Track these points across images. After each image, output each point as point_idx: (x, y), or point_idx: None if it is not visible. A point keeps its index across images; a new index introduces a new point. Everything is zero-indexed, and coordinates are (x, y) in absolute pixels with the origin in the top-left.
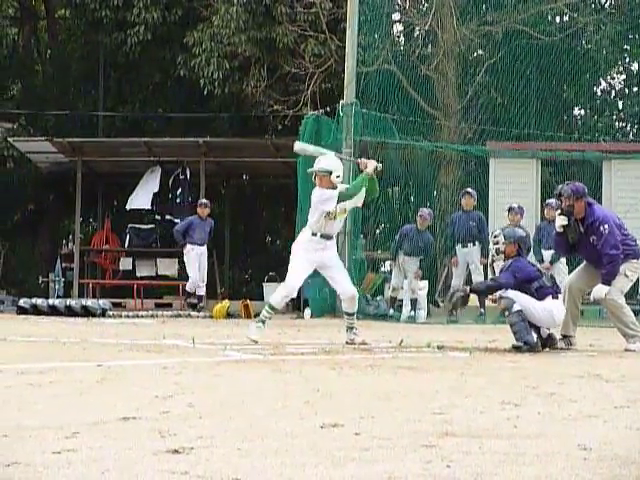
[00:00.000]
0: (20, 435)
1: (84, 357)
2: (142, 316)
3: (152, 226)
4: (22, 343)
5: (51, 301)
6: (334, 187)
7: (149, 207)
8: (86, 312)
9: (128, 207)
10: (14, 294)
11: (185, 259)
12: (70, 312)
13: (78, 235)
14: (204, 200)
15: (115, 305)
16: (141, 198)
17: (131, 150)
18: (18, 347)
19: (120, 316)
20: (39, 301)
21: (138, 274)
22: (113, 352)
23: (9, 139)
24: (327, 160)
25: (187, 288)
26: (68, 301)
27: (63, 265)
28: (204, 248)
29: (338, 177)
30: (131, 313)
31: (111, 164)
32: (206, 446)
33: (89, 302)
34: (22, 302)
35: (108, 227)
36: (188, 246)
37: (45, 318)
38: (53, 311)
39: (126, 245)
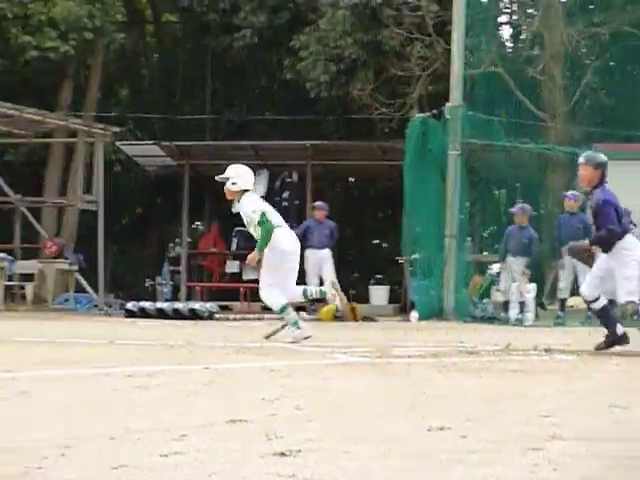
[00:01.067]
0: (127, 438)
1: (191, 360)
2: (249, 319)
3: None
4: (130, 346)
5: (159, 304)
6: (241, 194)
7: None
8: (194, 315)
9: (234, 210)
10: (122, 297)
11: (305, 264)
12: (178, 315)
13: (185, 238)
14: (319, 202)
15: (222, 308)
16: None
17: (238, 153)
18: (126, 350)
19: (227, 319)
20: (147, 304)
21: (244, 277)
22: (220, 355)
23: (117, 143)
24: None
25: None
26: (176, 304)
27: (171, 268)
28: (325, 252)
29: (234, 184)
30: (238, 316)
31: (218, 167)
32: (313, 449)
33: (197, 305)
34: (130, 305)
35: (215, 230)
36: (307, 251)
37: (153, 321)
38: (161, 314)
39: (233, 248)
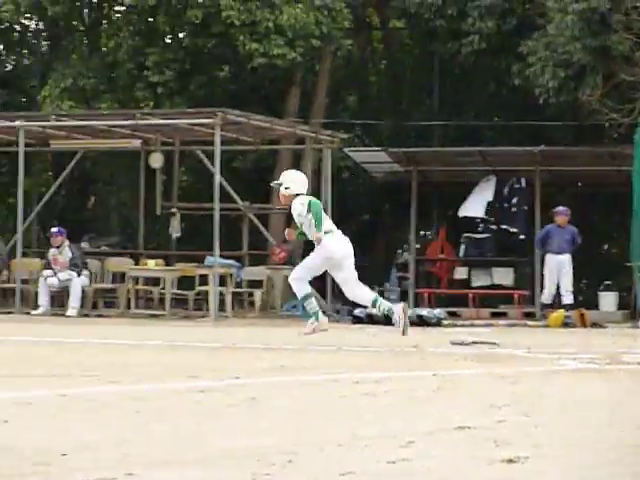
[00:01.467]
0: (355, 444)
1: (419, 366)
2: (477, 325)
3: (487, 235)
4: (357, 352)
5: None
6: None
7: (482, 216)
8: (421, 321)
9: (460, 214)
10: (350, 304)
11: (544, 269)
12: None
13: (413, 245)
14: (561, 208)
15: (450, 314)
16: (474, 206)
17: (465, 159)
18: (353, 356)
19: (455, 325)
20: (374, 311)
21: (473, 283)
22: (449, 361)
23: (345, 149)
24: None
25: (542, 300)
26: None
27: (398, 274)
28: (564, 257)
29: (287, 189)
30: (466, 322)
31: (446, 173)
32: (541, 455)
33: (424, 311)
34: (357, 312)
35: (443, 236)
36: (547, 255)
37: (380, 327)
38: (388, 321)
39: (461, 254)
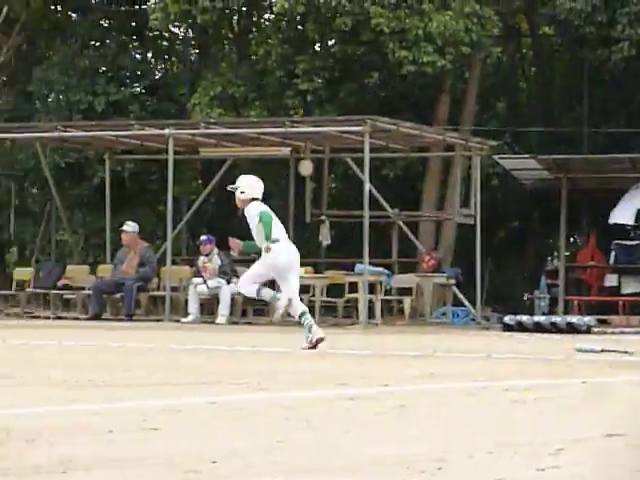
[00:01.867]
0: (504, 451)
1: (569, 374)
2: (627, 332)
3: (638, 242)
4: (507, 360)
5: (536, 318)
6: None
7: (632, 223)
8: (571, 329)
9: (610, 221)
10: (499, 311)
11: None
12: (555, 329)
13: (563, 252)
14: None
15: (600, 322)
16: (624, 213)
17: (616, 167)
18: (503, 364)
19: (605, 332)
20: (524, 318)
21: (623, 291)
22: (598, 368)
23: (494, 157)
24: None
25: None
26: (553, 318)
27: (548, 282)
28: None
29: (242, 193)
30: (616, 329)
31: (595, 180)
32: None
33: (574, 319)
34: (507, 319)
35: (593, 243)
36: None
37: (530, 335)
38: (538, 328)
39: (611, 261)
